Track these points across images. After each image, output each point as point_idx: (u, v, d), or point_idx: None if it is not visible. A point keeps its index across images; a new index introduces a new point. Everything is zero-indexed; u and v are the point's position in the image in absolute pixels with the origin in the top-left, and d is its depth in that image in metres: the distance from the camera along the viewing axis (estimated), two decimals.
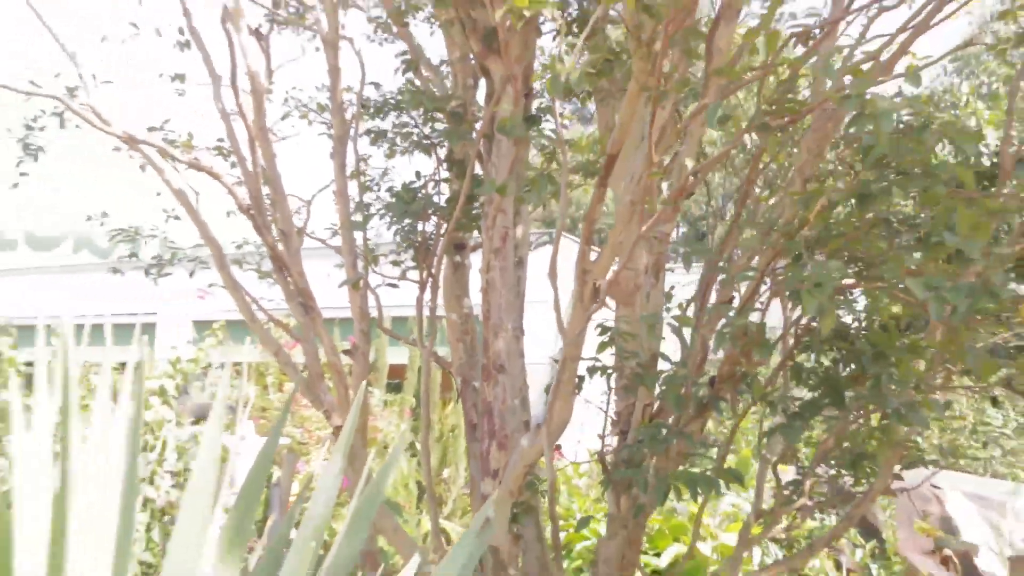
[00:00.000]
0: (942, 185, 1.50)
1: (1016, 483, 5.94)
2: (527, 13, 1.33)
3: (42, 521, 1.21)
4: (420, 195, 2.21)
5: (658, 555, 3.30)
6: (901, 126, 1.57)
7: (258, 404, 7.68)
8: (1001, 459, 6.76)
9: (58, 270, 23.65)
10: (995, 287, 1.36)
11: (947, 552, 3.98)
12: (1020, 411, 7.32)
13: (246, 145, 2.28)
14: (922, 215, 1.57)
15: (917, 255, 1.47)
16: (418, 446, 6.80)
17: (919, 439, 7.82)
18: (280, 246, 2.27)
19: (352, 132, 2.42)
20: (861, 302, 1.92)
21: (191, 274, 2.82)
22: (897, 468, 2.03)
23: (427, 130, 2.29)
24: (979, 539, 4.78)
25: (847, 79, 1.63)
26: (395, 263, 2.41)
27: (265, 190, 2.53)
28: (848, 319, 1.77)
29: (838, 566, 4.00)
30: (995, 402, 7.45)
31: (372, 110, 2.37)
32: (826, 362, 1.81)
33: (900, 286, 1.51)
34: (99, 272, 23.14)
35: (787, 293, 1.65)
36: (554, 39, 2.06)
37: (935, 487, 5.34)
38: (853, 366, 1.72)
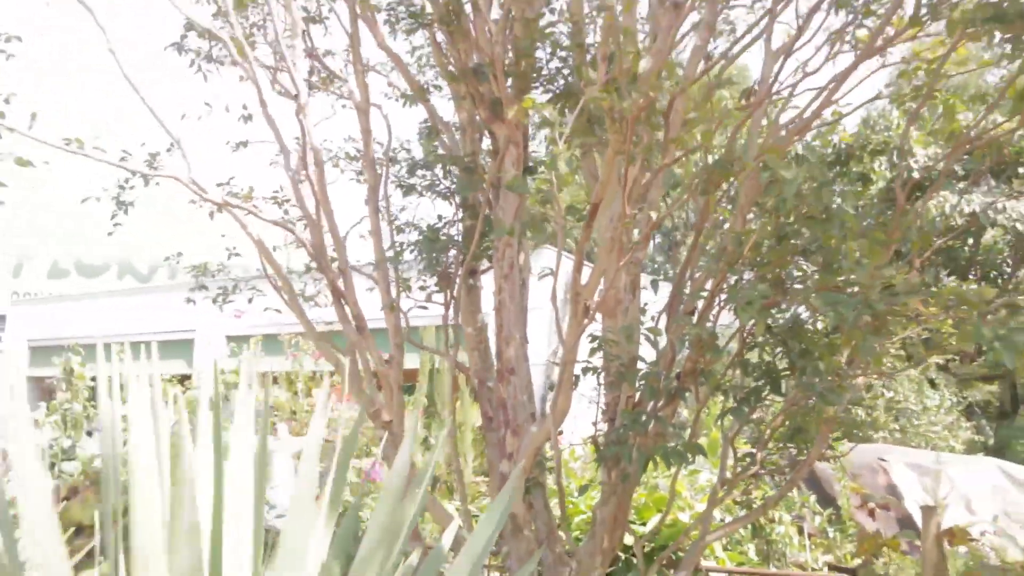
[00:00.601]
0: (839, 224, 2.01)
1: (950, 454, 6.54)
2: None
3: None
4: (443, 234, 2.71)
5: (643, 524, 3.83)
6: (809, 183, 2.07)
7: (288, 408, 8.22)
8: (940, 434, 7.37)
9: (105, 295, 24.60)
10: (873, 302, 1.87)
11: (871, 505, 4.50)
12: (953, 392, 7.90)
13: (308, 200, 2.78)
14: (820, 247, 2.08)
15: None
16: (431, 440, 7.31)
17: (867, 419, 8.42)
18: (339, 281, 2.76)
19: (383, 182, 2.92)
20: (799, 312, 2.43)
21: (250, 300, 3.31)
22: (835, 440, 2.54)
23: (447, 182, 2.79)
24: (918, 501, 5.34)
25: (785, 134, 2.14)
26: (422, 288, 2.91)
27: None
28: (781, 323, 2.27)
29: (800, 531, 4.52)
30: (933, 384, 8.07)
31: (404, 168, 2.87)
32: (767, 358, 2.31)
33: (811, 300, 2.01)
34: (140, 295, 23.85)
35: (732, 307, 2.16)
36: (550, 102, 2.56)
37: (882, 460, 5.92)
38: (787, 361, 2.22)
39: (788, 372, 2.24)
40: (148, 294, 22.85)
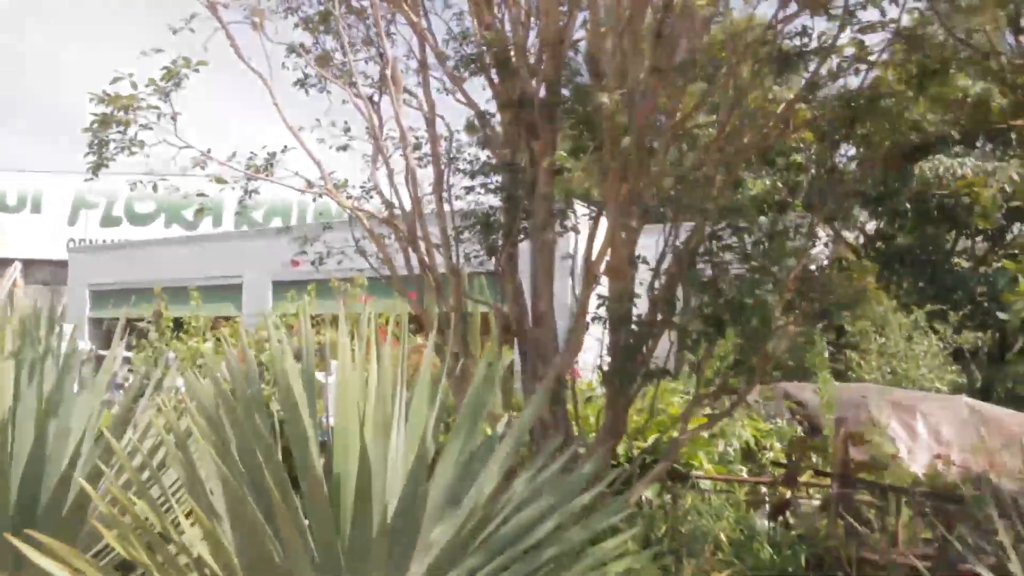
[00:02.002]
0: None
1: (926, 392, 7.53)
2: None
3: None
4: (492, 220, 3.70)
5: (644, 440, 4.88)
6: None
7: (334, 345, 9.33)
8: (927, 376, 8.35)
9: (159, 242, 26.03)
10: (780, 287, 2.87)
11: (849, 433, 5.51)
12: (941, 338, 8.90)
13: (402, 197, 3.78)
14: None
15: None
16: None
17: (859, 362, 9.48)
18: (426, 259, 3.77)
19: (446, 176, 3.91)
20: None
21: (339, 262, 4.30)
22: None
23: (497, 179, 3.77)
24: (895, 434, 6.32)
25: None
26: (476, 257, 3.91)
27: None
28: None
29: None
30: (931, 329, 8.87)
31: (467, 173, 3.85)
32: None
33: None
34: (190, 244, 25.11)
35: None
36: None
37: (864, 397, 6.91)
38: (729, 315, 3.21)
39: (731, 322, 3.25)
40: (196, 243, 24.13)
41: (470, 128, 3.95)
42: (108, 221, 34.01)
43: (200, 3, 3.28)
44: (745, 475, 4.81)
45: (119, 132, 3.14)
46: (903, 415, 7.53)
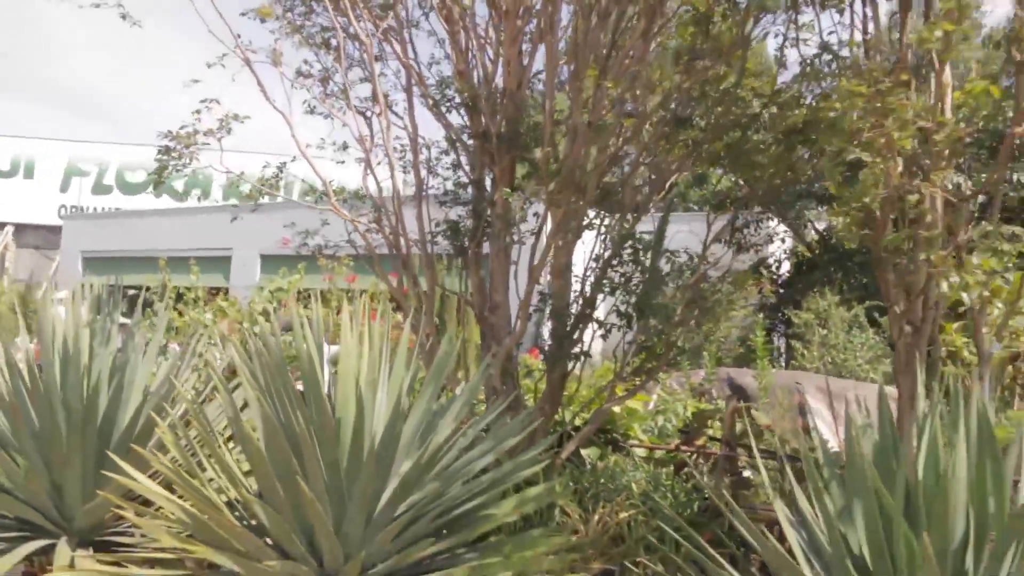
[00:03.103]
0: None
1: (853, 380, 8.58)
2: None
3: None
4: (461, 226, 4.59)
5: (588, 412, 5.85)
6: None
7: (326, 320, 10.20)
8: (863, 367, 9.41)
9: (151, 212, 26.62)
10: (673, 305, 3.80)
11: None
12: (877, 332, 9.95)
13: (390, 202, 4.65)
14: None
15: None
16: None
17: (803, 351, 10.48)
18: (403, 251, 4.65)
19: (425, 184, 4.78)
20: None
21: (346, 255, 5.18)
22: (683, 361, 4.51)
23: (464, 194, 4.66)
24: (822, 419, 7.33)
25: None
26: (447, 257, 4.81)
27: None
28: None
29: None
30: (871, 324, 10.02)
31: (443, 200, 4.70)
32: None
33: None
34: (181, 216, 25.71)
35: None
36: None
37: (798, 383, 7.89)
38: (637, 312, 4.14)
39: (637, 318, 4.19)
40: (188, 215, 24.85)
41: (449, 144, 4.84)
42: (99, 189, 34.66)
43: (233, 53, 4.16)
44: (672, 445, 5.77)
45: (176, 159, 4.05)
46: (830, 399, 8.50)
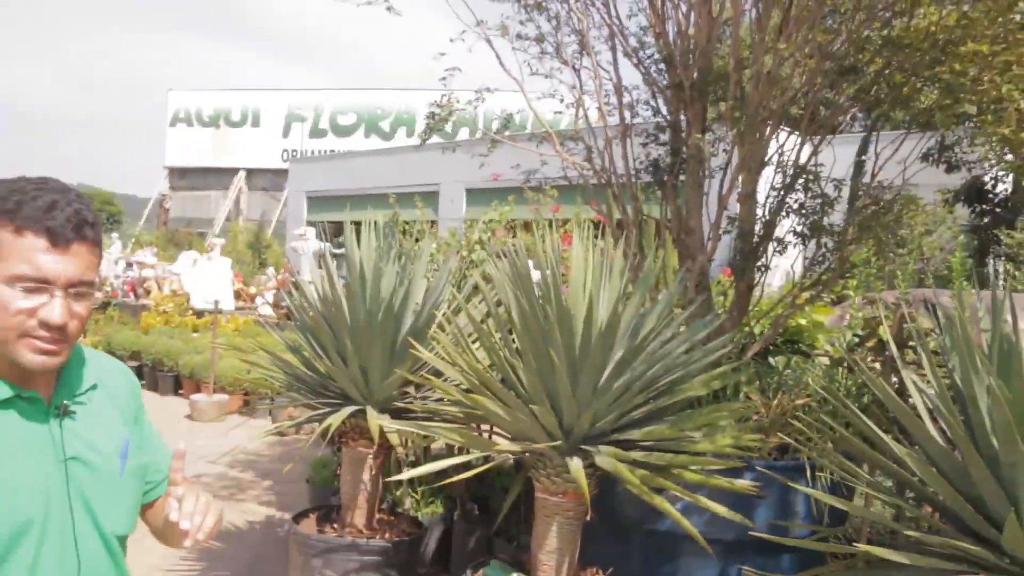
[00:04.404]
0: None
1: None
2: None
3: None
4: (662, 163, 5.43)
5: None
6: None
7: (532, 247, 11.30)
8: None
9: (364, 153, 29.06)
10: None
11: None
12: None
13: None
14: None
15: None
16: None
17: None
18: (612, 184, 5.58)
19: (630, 126, 5.65)
20: None
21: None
22: None
23: (663, 135, 5.48)
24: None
25: None
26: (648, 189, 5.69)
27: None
28: None
29: None
30: None
31: (645, 142, 5.55)
32: None
33: None
34: (392, 155, 27.87)
35: None
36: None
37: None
38: None
39: (809, 237, 4.91)
40: (398, 154, 26.84)
41: (649, 92, 5.70)
42: (315, 133, 37.88)
43: (472, 30, 5.21)
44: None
45: (441, 120, 5.21)
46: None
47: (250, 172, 37.18)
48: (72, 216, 1.44)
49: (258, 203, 37.77)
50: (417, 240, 11.00)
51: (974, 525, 2.74)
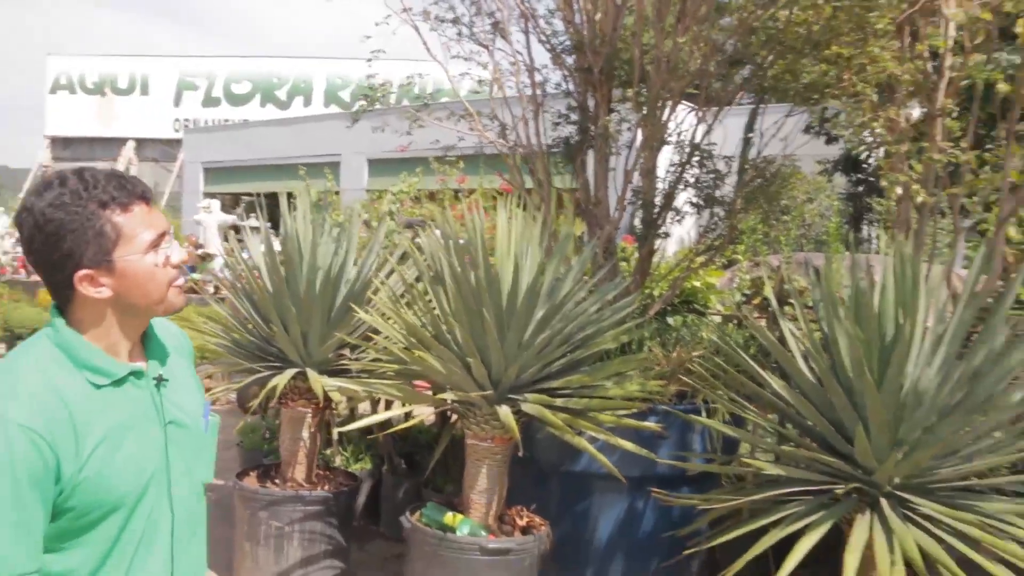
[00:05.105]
0: None
1: None
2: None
3: None
4: (571, 139, 5.95)
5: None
6: None
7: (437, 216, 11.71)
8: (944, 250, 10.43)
9: (261, 123, 28.40)
10: None
11: None
12: None
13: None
14: None
15: None
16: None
17: None
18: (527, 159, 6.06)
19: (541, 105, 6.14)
20: None
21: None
22: None
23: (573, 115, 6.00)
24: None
25: None
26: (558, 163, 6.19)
27: None
28: None
29: None
30: None
31: (556, 121, 6.04)
32: None
33: None
34: (290, 125, 27.44)
35: None
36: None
37: (871, 265, 9.05)
38: None
39: (705, 206, 5.54)
40: (298, 124, 26.56)
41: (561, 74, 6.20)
42: (209, 101, 36.84)
43: (397, 15, 5.60)
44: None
45: (367, 102, 5.59)
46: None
47: (140, 142, 35.84)
48: (132, 178, 1.68)
49: (149, 174, 36.51)
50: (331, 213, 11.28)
51: (834, 443, 3.38)
